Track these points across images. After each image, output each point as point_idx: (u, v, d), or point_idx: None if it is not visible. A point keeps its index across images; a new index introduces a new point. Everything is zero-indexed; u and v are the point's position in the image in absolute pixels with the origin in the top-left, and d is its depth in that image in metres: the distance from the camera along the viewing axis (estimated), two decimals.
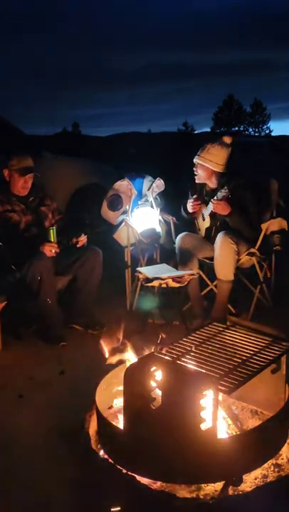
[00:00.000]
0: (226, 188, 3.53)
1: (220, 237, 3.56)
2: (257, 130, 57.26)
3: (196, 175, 3.76)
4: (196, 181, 3.80)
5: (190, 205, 3.81)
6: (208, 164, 3.63)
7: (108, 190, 4.12)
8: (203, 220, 3.84)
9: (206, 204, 3.75)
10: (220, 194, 3.56)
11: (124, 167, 4.64)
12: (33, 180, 3.55)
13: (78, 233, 3.52)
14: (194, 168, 3.75)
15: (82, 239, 3.51)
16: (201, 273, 3.81)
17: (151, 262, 4.07)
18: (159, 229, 4.09)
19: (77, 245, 3.50)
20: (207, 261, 3.80)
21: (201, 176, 3.74)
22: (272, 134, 55.57)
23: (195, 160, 3.71)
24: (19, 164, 3.47)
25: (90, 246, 3.62)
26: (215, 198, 3.58)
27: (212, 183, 3.74)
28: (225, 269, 3.56)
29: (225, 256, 3.53)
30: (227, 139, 3.71)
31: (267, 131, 57.08)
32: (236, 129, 54.45)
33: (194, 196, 3.82)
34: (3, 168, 3.55)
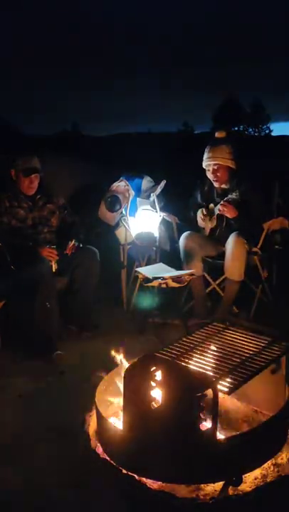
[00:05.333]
0: (237, 191, 3.55)
1: (234, 238, 3.55)
2: (257, 130, 57.26)
3: (215, 180, 3.72)
4: (217, 186, 3.75)
5: (200, 221, 3.80)
6: (222, 161, 3.62)
7: (106, 191, 4.12)
8: (210, 220, 3.84)
9: (216, 204, 3.74)
10: (230, 197, 3.57)
11: (124, 167, 4.63)
12: (39, 179, 3.57)
13: (66, 242, 3.53)
14: (210, 174, 3.71)
15: (70, 246, 3.52)
16: (204, 273, 3.81)
17: (149, 262, 4.07)
18: (156, 234, 4.07)
19: (68, 253, 3.51)
20: (209, 259, 3.80)
21: (220, 178, 3.70)
22: (273, 134, 55.60)
23: (208, 163, 3.68)
24: (24, 165, 3.50)
25: (86, 246, 3.62)
26: (225, 199, 3.59)
27: (226, 183, 3.73)
28: (238, 269, 3.56)
29: (239, 256, 3.53)
30: (219, 134, 3.75)
31: (267, 131, 57.10)
32: (236, 128, 54.46)
33: (205, 213, 3.78)
34: (4, 168, 3.58)
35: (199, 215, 3.81)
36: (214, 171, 3.69)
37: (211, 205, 3.80)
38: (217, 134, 3.77)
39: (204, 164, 3.72)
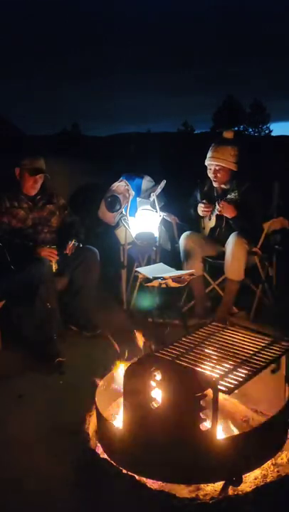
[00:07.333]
0: (236, 191, 3.54)
1: (234, 238, 3.55)
2: (257, 130, 57.21)
3: (215, 180, 3.72)
4: (216, 186, 3.75)
5: (201, 210, 3.79)
6: (224, 163, 3.61)
7: (106, 191, 4.13)
8: (209, 219, 3.84)
9: (215, 204, 3.75)
10: (229, 197, 3.57)
11: (124, 167, 4.64)
12: (42, 181, 3.58)
13: (66, 242, 3.54)
14: (211, 174, 3.70)
15: (70, 246, 3.52)
16: (204, 273, 3.82)
17: (149, 262, 4.07)
18: (156, 233, 4.07)
19: (68, 253, 3.51)
20: (209, 259, 3.80)
21: (220, 179, 3.70)
22: (273, 134, 55.52)
23: (211, 162, 3.67)
24: (31, 164, 3.52)
25: (87, 246, 3.62)
26: (225, 199, 3.59)
27: (226, 184, 3.73)
28: (238, 269, 3.56)
29: (239, 256, 3.53)
30: (228, 134, 3.72)
31: (267, 131, 57.03)
32: (236, 128, 54.38)
33: (204, 201, 3.78)
34: (7, 167, 3.58)
35: (200, 205, 3.80)
36: (215, 171, 3.68)
37: None
38: (225, 134, 3.75)
39: (207, 162, 3.71)
